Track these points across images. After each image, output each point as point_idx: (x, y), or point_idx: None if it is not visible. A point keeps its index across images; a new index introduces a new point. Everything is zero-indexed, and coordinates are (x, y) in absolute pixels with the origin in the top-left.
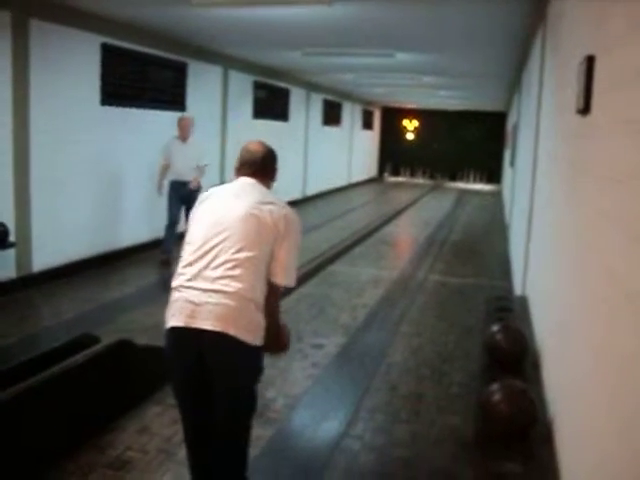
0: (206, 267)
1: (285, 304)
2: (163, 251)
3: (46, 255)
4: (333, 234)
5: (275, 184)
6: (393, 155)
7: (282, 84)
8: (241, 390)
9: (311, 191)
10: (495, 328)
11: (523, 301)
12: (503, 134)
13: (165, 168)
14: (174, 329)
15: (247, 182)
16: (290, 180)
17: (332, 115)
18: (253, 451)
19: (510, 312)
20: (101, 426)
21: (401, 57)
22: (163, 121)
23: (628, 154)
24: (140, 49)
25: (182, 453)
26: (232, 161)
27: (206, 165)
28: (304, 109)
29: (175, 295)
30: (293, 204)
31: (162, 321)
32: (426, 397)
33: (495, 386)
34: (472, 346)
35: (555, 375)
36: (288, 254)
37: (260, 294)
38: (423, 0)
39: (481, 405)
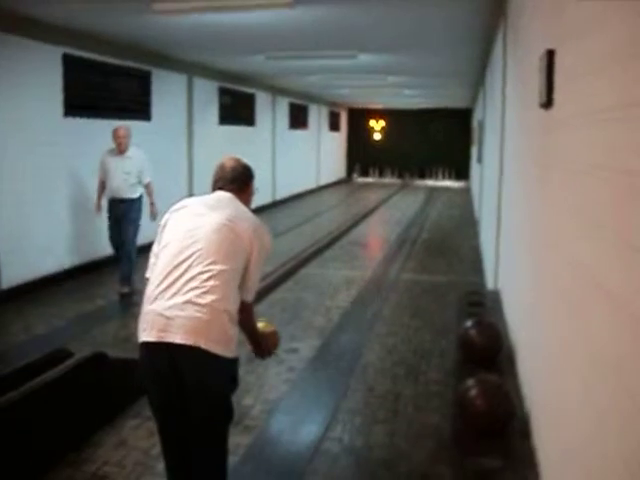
0: (179, 278)
1: (258, 309)
2: (122, 280)
3: (15, 271)
4: (304, 237)
5: None
6: (361, 156)
7: (247, 89)
8: (216, 401)
9: (280, 195)
10: (468, 324)
11: (495, 295)
12: (470, 130)
13: (103, 185)
14: (146, 344)
15: (223, 195)
16: (259, 185)
17: (298, 118)
18: (233, 459)
19: (483, 307)
20: (78, 441)
21: (364, 58)
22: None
23: (591, 145)
24: (102, 59)
25: (160, 466)
26: (200, 168)
27: (150, 181)
28: (270, 113)
29: (147, 307)
30: (263, 209)
31: (135, 333)
32: (403, 396)
33: (470, 382)
34: (447, 343)
35: (529, 368)
36: (256, 273)
37: (234, 305)
38: (384, 1)
39: (457, 402)
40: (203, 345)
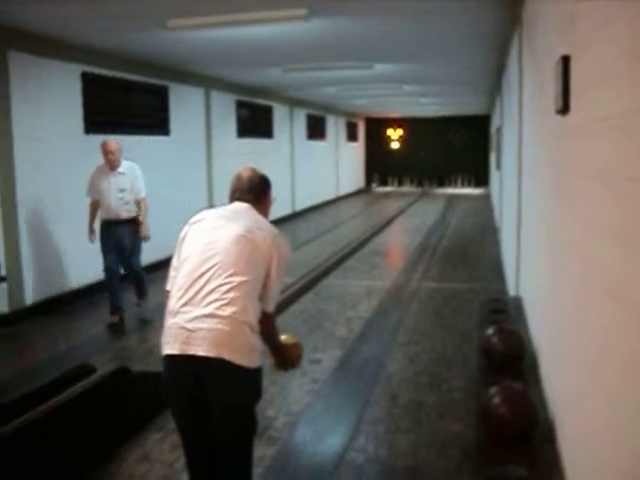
0: (199, 291)
1: (280, 320)
2: (112, 311)
3: (39, 287)
4: (324, 248)
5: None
6: (380, 165)
7: (265, 101)
8: (240, 413)
9: (300, 206)
10: (490, 331)
11: (517, 302)
12: (488, 137)
13: (95, 206)
14: (169, 357)
15: (240, 206)
16: (279, 196)
17: (316, 129)
18: (257, 471)
19: (505, 313)
20: (102, 456)
21: (380, 68)
22: (148, 146)
23: (607, 151)
24: (120, 75)
25: (184, 478)
26: (219, 181)
27: (144, 198)
28: (288, 125)
29: (169, 321)
30: (283, 220)
31: (157, 346)
32: (427, 405)
33: (493, 390)
34: (470, 350)
35: (552, 374)
36: (276, 283)
37: (254, 316)
38: (399, 12)
39: (480, 410)
40: (226, 357)
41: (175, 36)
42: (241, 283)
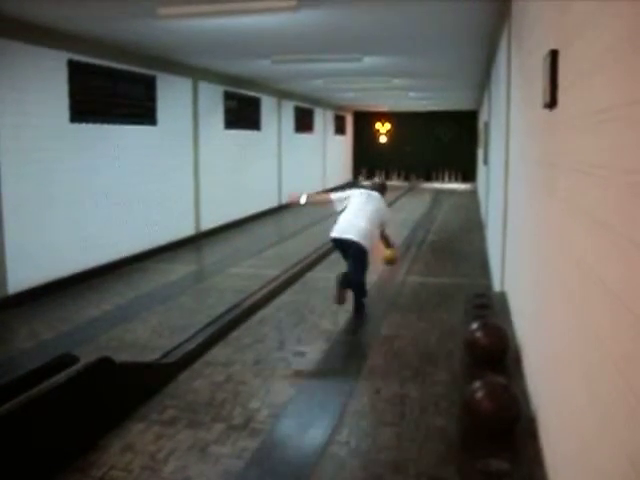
0: (355, 218)
1: (265, 313)
2: None
3: (23, 277)
4: (310, 241)
5: (252, 195)
6: (367, 159)
7: (253, 93)
8: (363, 257)
9: (287, 199)
10: (474, 326)
11: (502, 297)
12: (476, 132)
13: None
14: (335, 239)
15: (372, 193)
16: (265, 188)
17: (304, 122)
18: (239, 463)
19: (489, 309)
20: (84, 446)
21: (369, 61)
22: (135, 136)
23: (594, 145)
24: (108, 64)
25: (167, 469)
26: (206, 172)
27: None
28: (276, 117)
29: (340, 223)
30: (269, 213)
31: (141, 337)
32: (410, 399)
33: (477, 384)
34: (454, 345)
35: (535, 369)
36: (385, 223)
37: (375, 233)
38: (388, 4)
39: (464, 404)
40: (359, 241)
41: (164, 25)
42: (371, 220)
